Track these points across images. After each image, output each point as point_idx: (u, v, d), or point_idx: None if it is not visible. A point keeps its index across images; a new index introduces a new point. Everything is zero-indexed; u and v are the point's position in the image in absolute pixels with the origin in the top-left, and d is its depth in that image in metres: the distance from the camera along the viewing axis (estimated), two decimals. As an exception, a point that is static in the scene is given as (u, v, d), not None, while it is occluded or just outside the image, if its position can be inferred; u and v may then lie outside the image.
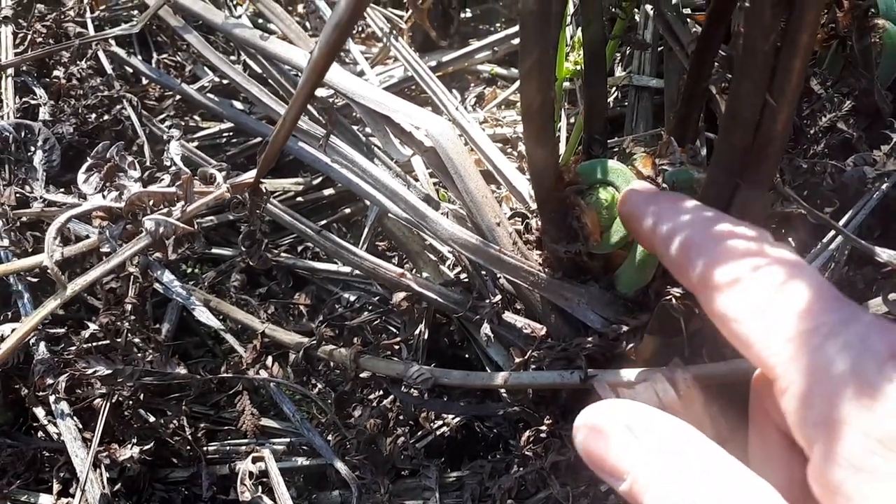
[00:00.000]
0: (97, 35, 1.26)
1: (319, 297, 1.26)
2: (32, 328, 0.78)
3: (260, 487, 0.90)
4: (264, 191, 0.82)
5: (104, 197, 0.75)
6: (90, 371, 0.90)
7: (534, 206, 0.96)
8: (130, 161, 0.78)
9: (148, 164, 1.15)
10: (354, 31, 1.59)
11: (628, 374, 0.79)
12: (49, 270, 0.72)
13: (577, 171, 0.81)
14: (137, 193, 0.73)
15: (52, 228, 0.73)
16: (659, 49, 1.23)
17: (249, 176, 0.80)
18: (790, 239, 1.19)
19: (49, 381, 0.91)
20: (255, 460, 0.88)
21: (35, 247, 1.05)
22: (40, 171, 1.05)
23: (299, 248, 1.31)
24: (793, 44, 0.61)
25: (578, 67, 1.09)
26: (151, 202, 0.75)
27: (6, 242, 1.00)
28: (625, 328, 0.82)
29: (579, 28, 1.20)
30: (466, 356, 1.14)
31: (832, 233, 1.12)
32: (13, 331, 0.80)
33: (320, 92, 1.26)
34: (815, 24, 0.60)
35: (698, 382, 0.71)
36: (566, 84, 1.35)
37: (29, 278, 1.04)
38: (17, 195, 1.00)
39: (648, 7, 1.10)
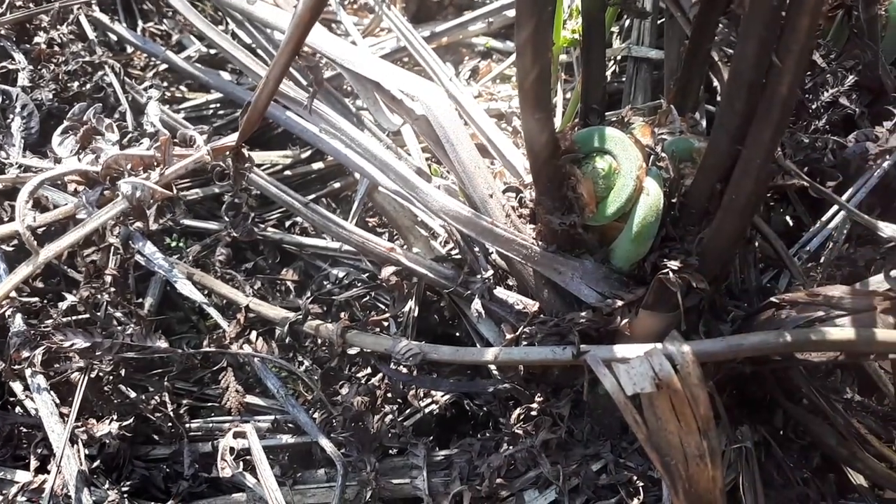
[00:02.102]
0: (79, -1, 1.22)
1: (307, 272, 1.23)
2: (4, 296, 0.75)
3: (242, 465, 0.88)
4: (247, 156, 0.79)
5: (80, 160, 0.71)
6: (68, 344, 0.87)
7: (528, 180, 0.93)
8: (108, 124, 0.74)
9: (129, 131, 1.11)
10: (346, 1, 1.55)
11: (623, 349, 0.77)
12: (21, 236, 0.69)
13: (574, 139, 0.78)
14: (115, 156, 0.70)
15: (23, 192, 0.70)
16: (659, 21, 1.20)
17: (231, 139, 0.76)
18: (787, 217, 1.17)
19: (25, 354, 0.88)
20: (236, 436, 0.85)
21: (11, 216, 1.01)
22: (17, 137, 1.01)
23: (287, 224, 1.28)
24: (801, 0, 0.58)
25: (576, 36, 1.06)
26: (129, 166, 0.72)
27: (-20, 211, 0.97)
28: (619, 303, 0.79)
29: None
30: (457, 334, 1.11)
31: (832, 210, 1.10)
32: (-17, 299, 0.77)
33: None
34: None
35: (696, 358, 0.69)
36: (562, 57, 1.32)
37: (4, 248, 1.00)
38: (-7, 162, 0.97)
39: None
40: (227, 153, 0.77)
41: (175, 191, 0.71)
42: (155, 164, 0.73)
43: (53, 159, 0.76)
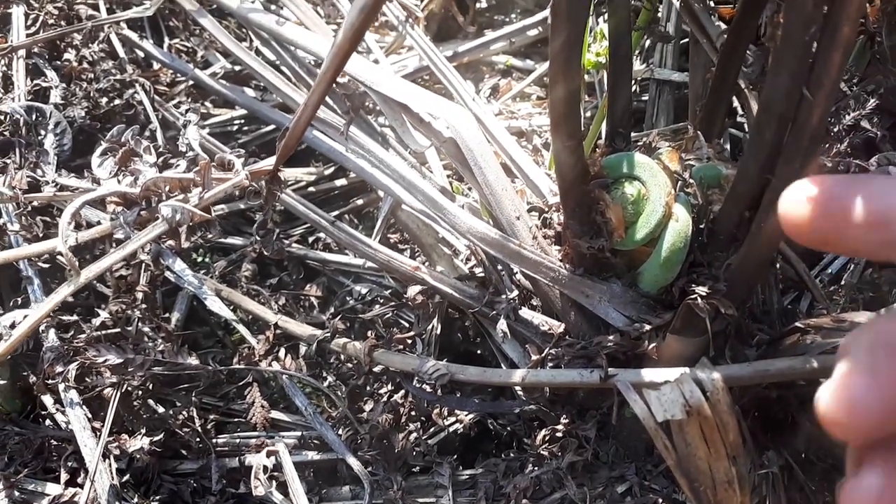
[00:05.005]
0: (110, 18, 1.24)
1: (330, 288, 1.25)
2: (45, 315, 0.76)
3: (272, 482, 0.89)
4: (282, 179, 0.80)
5: (119, 182, 0.73)
6: (101, 360, 0.88)
7: (552, 200, 0.94)
8: (146, 146, 0.76)
9: (161, 149, 1.13)
10: (369, 20, 1.57)
11: (650, 373, 0.78)
12: (63, 256, 0.71)
13: (603, 164, 0.79)
14: (154, 179, 0.72)
15: (66, 213, 0.72)
16: (682, 42, 1.21)
17: (268, 163, 0.78)
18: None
19: (59, 369, 0.90)
20: (269, 454, 0.86)
21: (45, 232, 1.03)
22: (52, 154, 1.03)
23: (310, 239, 1.30)
24: (833, 35, 0.59)
25: (601, 59, 1.07)
26: (168, 188, 0.73)
27: (17, 227, 0.98)
28: (647, 327, 0.80)
29: (600, 19, 1.18)
30: (479, 352, 1.12)
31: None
32: (25, 318, 0.78)
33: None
34: (857, 15, 0.58)
35: (726, 386, 0.70)
36: (585, 77, 1.33)
37: (39, 264, 1.02)
38: (28, 179, 0.98)
39: (674, -1, 1.08)
40: (264, 176, 0.79)
41: (213, 213, 0.73)
42: (192, 186, 0.74)
43: (91, 179, 0.78)
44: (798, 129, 0.65)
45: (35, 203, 0.98)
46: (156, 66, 1.39)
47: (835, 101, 1.01)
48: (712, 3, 1.07)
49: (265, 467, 0.84)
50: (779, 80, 0.63)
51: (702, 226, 0.79)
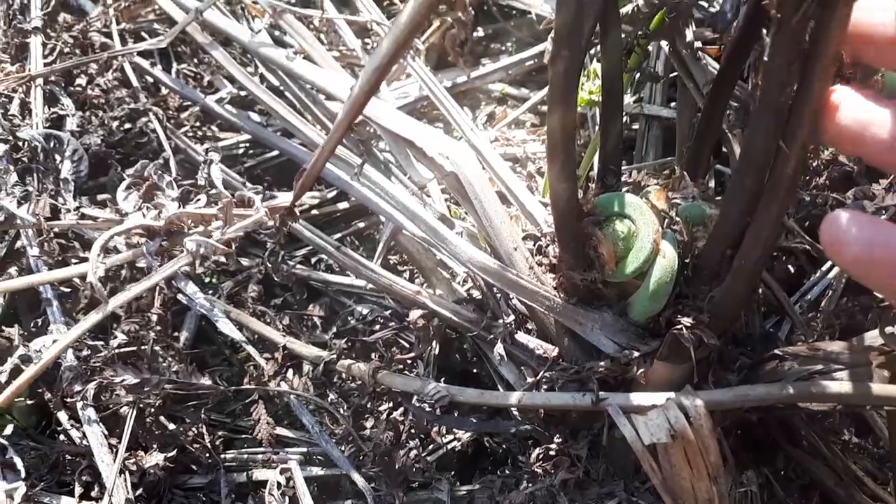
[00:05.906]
0: (124, 49, 1.29)
1: (333, 308, 1.29)
2: (73, 341, 0.81)
3: (285, 498, 0.94)
4: (297, 214, 0.86)
5: (144, 215, 0.78)
6: (118, 380, 0.93)
7: (546, 228, 0.99)
8: (168, 181, 0.81)
9: (175, 176, 1.17)
10: (370, 46, 1.63)
11: (639, 398, 0.83)
12: (93, 287, 0.75)
13: (595, 203, 0.85)
14: (177, 213, 0.77)
15: (96, 245, 0.77)
16: (671, 75, 1.27)
17: (285, 200, 0.83)
18: (788, 265, 1.24)
19: (77, 387, 0.94)
20: (282, 472, 0.91)
21: (63, 255, 1.08)
22: (70, 181, 1.08)
23: (313, 260, 1.35)
24: (807, 93, 0.65)
25: (593, 98, 1.13)
26: (190, 221, 0.78)
27: (37, 252, 1.03)
28: (636, 353, 0.86)
29: (593, 59, 1.24)
30: (475, 371, 1.17)
31: (829, 262, 1.17)
32: (54, 342, 0.83)
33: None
34: (828, 74, 0.64)
35: (708, 412, 0.75)
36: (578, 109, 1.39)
37: (61, 288, 1.06)
38: (49, 205, 1.03)
39: (663, 42, 1.14)
40: (281, 212, 0.84)
41: (232, 246, 0.78)
42: (214, 219, 0.79)
43: (115, 210, 0.83)
44: (775, 178, 0.71)
45: (56, 229, 1.03)
46: (164, 91, 1.44)
47: (811, 147, 1.07)
48: (700, 44, 1.14)
49: (279, 483, 0.89)
50: (756, 137, 0.69)
51: (687, 261, 0.84)
